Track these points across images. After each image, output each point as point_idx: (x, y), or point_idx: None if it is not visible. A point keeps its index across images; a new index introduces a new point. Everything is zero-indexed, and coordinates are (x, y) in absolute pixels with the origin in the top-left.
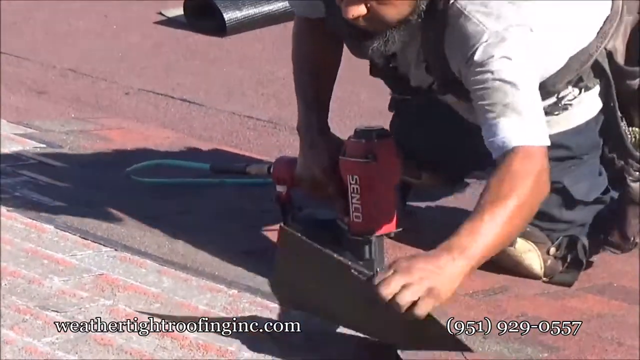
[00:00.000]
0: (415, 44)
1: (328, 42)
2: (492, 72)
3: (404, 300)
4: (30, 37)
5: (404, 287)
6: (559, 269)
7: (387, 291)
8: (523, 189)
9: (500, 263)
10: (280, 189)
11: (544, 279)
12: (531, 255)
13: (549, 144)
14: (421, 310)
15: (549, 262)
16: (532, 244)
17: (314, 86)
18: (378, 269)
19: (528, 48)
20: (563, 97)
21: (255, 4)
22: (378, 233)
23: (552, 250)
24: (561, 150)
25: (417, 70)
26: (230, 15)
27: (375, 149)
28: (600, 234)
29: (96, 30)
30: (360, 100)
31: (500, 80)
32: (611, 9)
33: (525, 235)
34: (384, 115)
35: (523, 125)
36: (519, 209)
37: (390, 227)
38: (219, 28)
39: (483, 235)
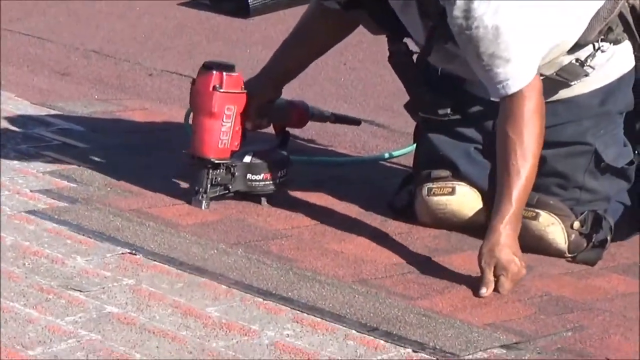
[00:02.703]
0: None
1: (329, 27)
2: (475, 18)
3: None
4: (54, 18)
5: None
6: (583, 246)
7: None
8: (527, 128)
9: (524, 239)
10: None
11: (568, 255)
12: (555, 229)
13: (537, 75)
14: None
15: (573, 236)
16: (555, 217)
17: (291, 46)
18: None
19: None
20: (599, 48)
21: None
22: (196, 154)
23: (577, 224)
24: (595, 108)
25: (414, 22)
26: None
27: (197, 77)
28: (637, 201)
29: (119, 12)
30: (384, 81)
31: (483, 27)
32: None
33: (548, 208)
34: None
35: (513, 72)
36: (530, 147)
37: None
38: (243, 10)
39: (515, 189)
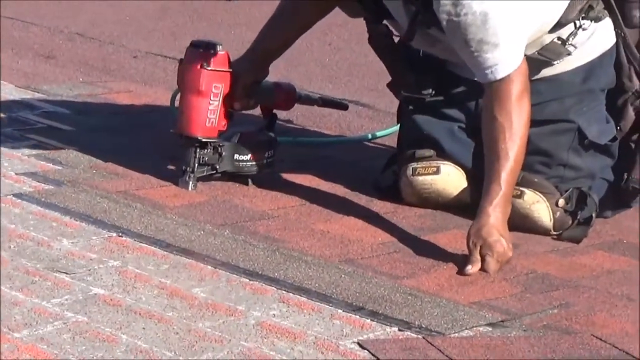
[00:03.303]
0: None
1: (310, 5)
2: (463, 5)
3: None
4: (37, 1)
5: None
6: (568, 223)
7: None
8: (515, 111)
9: (510, 218)
10: None
11: (554, 233)
12: (540, 207)
13: (523, 58)
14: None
15: (558, 214)
16: (540, 195)
17: (274, 25)
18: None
19: None
20: (580, 26)
21: None
22: (184, 133)
23: (562, 202)
24: (577, 86)
25: (397, 6)
26: None
27: (185, 56)
28: (621, 178)
29: None
30: (369, 62)
31: (472, 14)
32: None
33: (533, 186)
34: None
35: (501, 57)
36: (517, 130)
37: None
38: None
39: (504, 170)
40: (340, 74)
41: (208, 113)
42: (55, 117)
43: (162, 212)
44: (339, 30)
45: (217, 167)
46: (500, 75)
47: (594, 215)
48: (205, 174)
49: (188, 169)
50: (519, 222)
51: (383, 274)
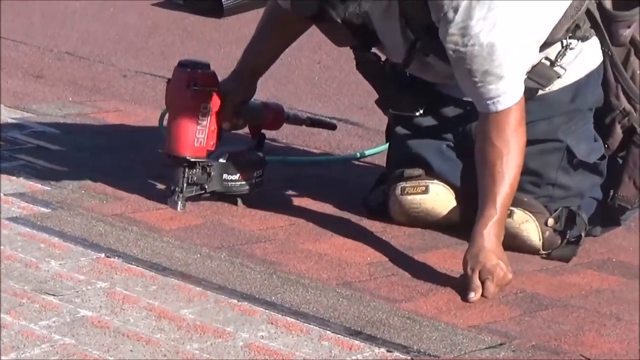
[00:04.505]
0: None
1: (293, 20)
2: (471, 36)
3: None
4: (27, 20)
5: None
6: (557, 242)
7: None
8: (512, 138)
9: None
10: None
11: (543, 252)
12: (529, 226)
13: (523, 92)
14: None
15: (547, 233)
16: (529, 214)
17: (258, 42)
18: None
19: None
20: (567, 46)
21: None
22: (172, 153)
23: (551, 221)
24: (566, 105)
25: (394, 33)
26: None
27: (173, 75)
28: (608, 195)
29: (93, 12)
30: (358, 80)
31: (479, 45)
32: None
33: (522, 206)
34: None
35: (505, 89)
36: (514, 157)
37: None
38: (216, 9)
39: (500, 195)
40: (330, 92)
41: (196, 133)
42: (44, 137)
43: (158, 235)
44: (328, 48)
45: (206, 186)
46: (502, 107)
47: (583, 234)
48: (194, 193)
49: (177, 189)
50: (508, 242)
51: (381, 298)
